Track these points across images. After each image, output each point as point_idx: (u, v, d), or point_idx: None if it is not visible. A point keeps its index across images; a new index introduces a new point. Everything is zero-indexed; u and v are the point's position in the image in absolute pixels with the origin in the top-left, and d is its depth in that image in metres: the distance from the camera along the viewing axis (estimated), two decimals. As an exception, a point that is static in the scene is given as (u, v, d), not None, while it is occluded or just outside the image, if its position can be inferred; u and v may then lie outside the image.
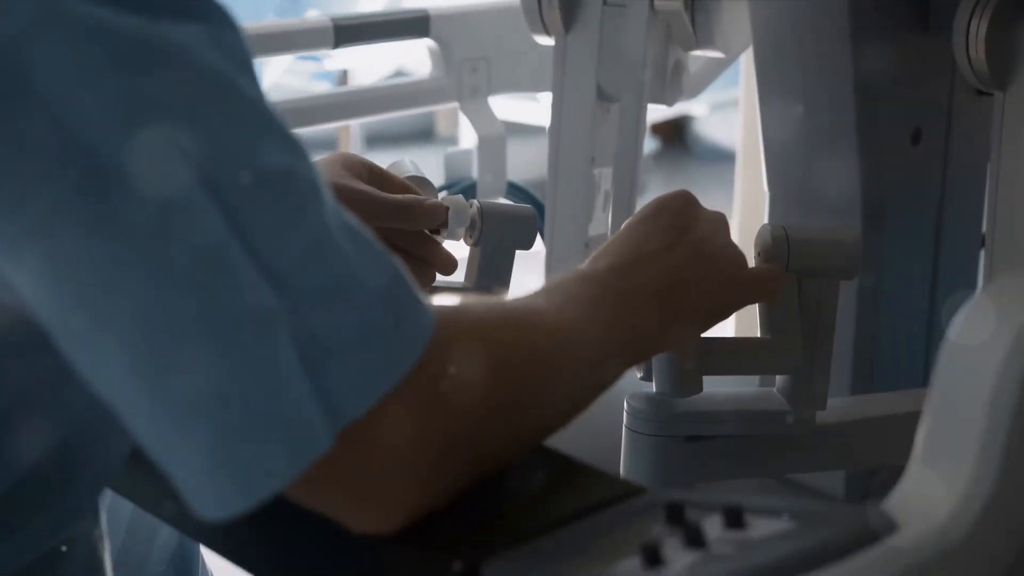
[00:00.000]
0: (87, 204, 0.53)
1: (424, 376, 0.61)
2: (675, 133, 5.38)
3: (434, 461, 0.62)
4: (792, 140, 1.22)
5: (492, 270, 1.10)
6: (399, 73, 4.29)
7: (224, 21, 0.59)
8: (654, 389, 0.95)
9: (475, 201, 1.09)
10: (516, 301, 0.73)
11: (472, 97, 1.57)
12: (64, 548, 0.69)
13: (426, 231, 1.06)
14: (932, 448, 0.60)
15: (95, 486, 0.71)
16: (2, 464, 0.63)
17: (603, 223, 1.47)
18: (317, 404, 0.56)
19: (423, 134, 4.90)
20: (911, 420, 1.01)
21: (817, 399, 0.97)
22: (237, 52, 0.59)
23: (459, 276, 1.12)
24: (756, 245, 0.96)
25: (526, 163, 1.97)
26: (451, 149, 1.61)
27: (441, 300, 0.69)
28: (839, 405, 1.01)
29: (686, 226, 0.84)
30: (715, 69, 1.45)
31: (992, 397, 0.58)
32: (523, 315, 0.70)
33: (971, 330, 0.61)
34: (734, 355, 0.95)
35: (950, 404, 0.60)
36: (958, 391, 0.60)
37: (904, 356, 1.21)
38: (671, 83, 1.37)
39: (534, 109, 3.61)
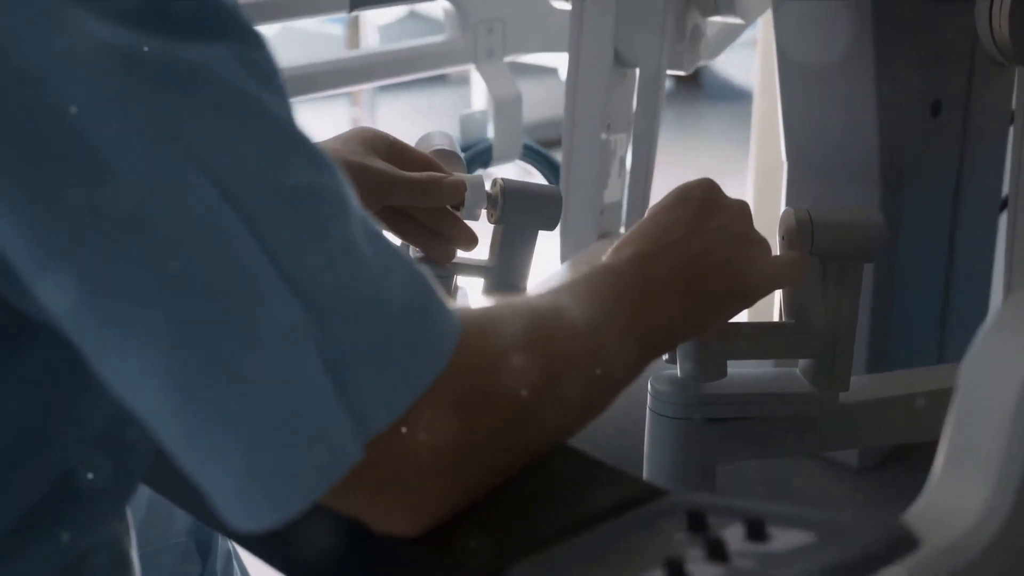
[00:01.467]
0: (116, 225, 0.54)
1: (450, 383, 0.61)
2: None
3: (460, 466, 0.63)
4: (811, 111, 1.21)
5: (513, 249, 1.09)
6: (413, 14, 4.26)
7: (250, 38, 0.59)
8: (678, 373, 0.95)
9: (500, 179, 1.08)
10: (541, 300, 0.73)
11: (488, 59, 1.56)
12: (91, 549, 0.70)
13: (448, 207, 1.06)
14: (953, 462, 0.60)
15: (122, 493, 0.72)
16: (31, 476, 0.64)
17: (618, 190, 1.46)
18: (346, 416, 0.57)
19: (435, 76, 4.87)
20: (931, 398, 1.03)
21: (840, 380, 0.97)
22: (263, 69, 0.59)
23: (479, 253, 1.11)
24: (779, 228, 0.96)
25: (536, 104, 1.96)
26: (466, 111, 1.60)
27: (466, 298, 0.69)
28: (859, 384, 1.02)
29: (709, 214, 0.84)
30: (732, 34, 1.44)
31: (1014, 412, 0.58)
32: (548, 317, 0.71)
33: (993, 343, 0.61)
34: (758, 339, 0.95)
35: (971, 418, 0.60)
36: (979, 405, 0.60)
37: (919, 332, 1.20)
38: (689, 49, 1.36)
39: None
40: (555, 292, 0.75)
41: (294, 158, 0.58)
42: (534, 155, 1.62)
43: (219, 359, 0.55)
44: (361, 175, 0.99)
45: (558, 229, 1.47)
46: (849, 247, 0.94)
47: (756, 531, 0.59)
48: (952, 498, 0.59)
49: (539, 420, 0.67)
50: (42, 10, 0.53)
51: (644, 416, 0.99)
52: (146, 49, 0.54)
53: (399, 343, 0.59)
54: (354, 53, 1.53)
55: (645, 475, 1.00)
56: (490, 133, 1.58)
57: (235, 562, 1.16)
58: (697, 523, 0.61)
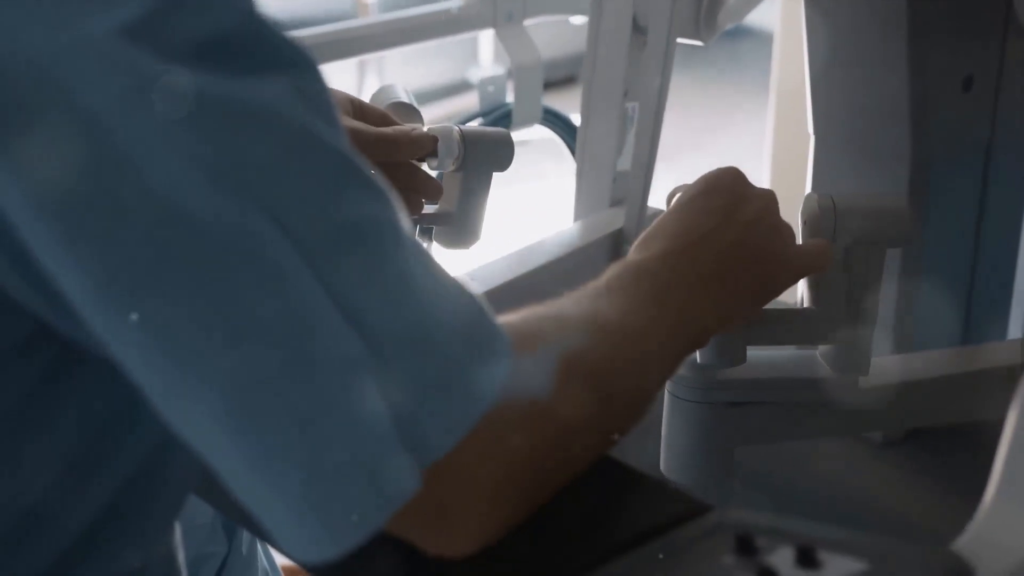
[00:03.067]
0: (177, 265, 0.53)
1: (502, 407, 0.61)
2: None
3: (512, 487, 0.63)
4: (840, 83, 1.20)
5: (473, 194, 1.12)
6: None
7: (306, 67, 0.58)
8: (698, 359, 0.94)
9: (456, 127, 1.10)
10: (578, 308, 0.72)
11: (507, 23, 1.53)
12: (145, 565, 0.70)
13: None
14: (1006, 489, 0.60)
15: (173, 509, 0.72)
16: (85, 500, 0.64)
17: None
18: (403, 448, 0.57)
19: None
20: (954, 381, 1.03)
21: (861, 364, 0.97)
22: (319, 100, 0.58)
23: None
24: (802, 214, 0.95)
25: (549, 41, 1.93)
26: (485, 75, 1.58)
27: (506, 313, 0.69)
28: (880, 366, 1.01)
29: (736, 206, 0.83)
30: (751, 2, 1.42)
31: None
32: (589, 327, 0.70)
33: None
34: (778, 326, 0.95)
35: (1026, 444, 0.60)
36: (1035, 432, 0.59)
37: (945, 310, 1.20)
38: (706, 19, 1.34)
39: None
40: (589, 297, 0.74)
41: (351, 191, 0.58)
42: (555, 120, 1.60)
43: (278, 394, 0.54)
44: None
45: (573, 195, 1.46)
46: (873, 234, 0.93)
47: (806, 557, 0.59)
48: (1005, 526, 0.59)
49: (586, 434, 0.67)
50: (104, 53, 0.52)
51: (662, 399, 0.99)
52: (205, 90, 0.53)
53: (456, 372, 0.59)
54: (372, 20, 1.50)
55: (663, 459, 1.00)
56: (509, 98, 1.56)
57: (259, 542, 1.16)
58: (745, 547, 0.60)
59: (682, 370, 0.96)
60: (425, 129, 1.07)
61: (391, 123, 1.07)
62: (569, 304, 0.72)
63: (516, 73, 1.52)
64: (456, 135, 1.09)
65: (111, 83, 0.52)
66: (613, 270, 0.78)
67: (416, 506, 0.58)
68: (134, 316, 0.53)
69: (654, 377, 0.74)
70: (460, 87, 4.72)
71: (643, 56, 1.36)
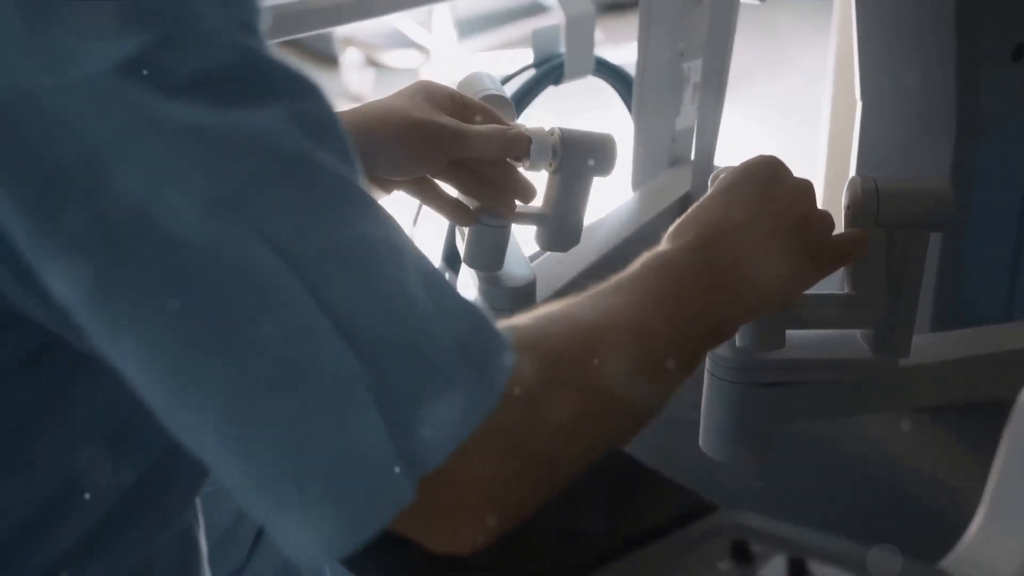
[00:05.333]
0: (176, 291, 0.55)
1: (503, 414, 0.62)
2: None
3: (513, 491, 0.64)
4: (888, 50, 1.18)
5: (571, 197, 1.10)
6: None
7: (304, 91, 0.59)
8: (737, 342, 0.95)
9: (557, 128, 1.08)
10: (595, 307, 0.72)
11: (561, -27, 1.53)
12: (165, 542, 0.73)
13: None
14: (996, 509, 0.60)
15: (194, 485, 0.74)
16: (111, 479, 0.67)
17: (690, 117, 1.45)
18: (400, 460, 0.58)
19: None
20: (991, 360, 1.03)
21: (901, 347, 0.97)
22: (319, 122, 0.59)
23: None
24: (845, 197, 0.95)
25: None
26: (538, 26, 1.58)
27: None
28: (920, 345, 1.01)
29: (772, 195, 0.83)
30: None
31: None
32: (603, 329, 0.70)
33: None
34: (819, 311, 0.95)
35: (1018, 467, 0.60)
36: (1029, 454, 0.60)
37: (988, 287, 1.19)
38: (766, -25, 1.33)
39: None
40: (606, 294, 0.74)
41: (347, 211, 0.59)
42: (607, 71, 1.59)
43: (276, 411, 0.56)
44: (431, 132, 1.00)
45: (630, 158, 1.46)
46: (916, 217, 0.93)
47: (798, 569, 0.60)
48: (992, 548, 0.59)
49: (591, 437, 0.68)
50: (101, 90, 0.54)
51: (702, 377, 1.00)
52: (200, 122, 0.55)
53: (453, 385, 0.60)
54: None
55: (702, 436, 1.01)
56: (562, 48, 1.56)
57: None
58: (740, 553, 0.62)
59: (722, 350, 0.97)
60: (523, 129, 1.06)
61: (492, 118, 1.05)
62: (583, 302, 0.73)
63: (568, 24, 1.51)
64: (555, 137, 1.07)
65: (108, 119, 0.54)
66: (640, 261, 0.78)
67: (417, 508, 0.60)
68: (133, 337, 0.55)
69: (671, 372, 0.74)
70: (534, 9, 4.67)
71: (697, 14, 1.36)
